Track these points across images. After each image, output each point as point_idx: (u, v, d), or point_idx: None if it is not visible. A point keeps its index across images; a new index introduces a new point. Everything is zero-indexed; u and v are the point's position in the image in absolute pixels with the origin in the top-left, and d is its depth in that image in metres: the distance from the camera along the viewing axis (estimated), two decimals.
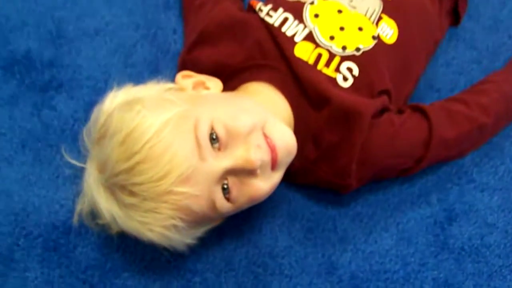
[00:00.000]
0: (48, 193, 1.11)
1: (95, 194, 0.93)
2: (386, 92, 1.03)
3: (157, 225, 0.89)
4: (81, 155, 0.97)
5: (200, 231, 0.98)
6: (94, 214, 0.96)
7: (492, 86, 1.12)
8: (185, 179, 0.86)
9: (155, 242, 0.92)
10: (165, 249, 0.96)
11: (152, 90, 0.98)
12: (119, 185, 0.89)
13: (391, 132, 1.01)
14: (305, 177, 1.06)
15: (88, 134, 0.96)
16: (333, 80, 1.01)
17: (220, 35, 1.07)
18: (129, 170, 0.87)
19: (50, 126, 1.16)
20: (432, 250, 1.08)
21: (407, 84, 1.10)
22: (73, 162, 1.01)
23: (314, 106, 1.01)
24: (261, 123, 0.93)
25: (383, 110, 1.02)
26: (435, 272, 1.07)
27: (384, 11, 1.06)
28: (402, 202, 1.11)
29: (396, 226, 1.10)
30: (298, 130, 1.00)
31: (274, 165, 0.93)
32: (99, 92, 1.15)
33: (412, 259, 1.07)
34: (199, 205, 0.89)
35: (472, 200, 1.11)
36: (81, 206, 0.98)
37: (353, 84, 1.01)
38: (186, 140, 0.87)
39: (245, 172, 0.90)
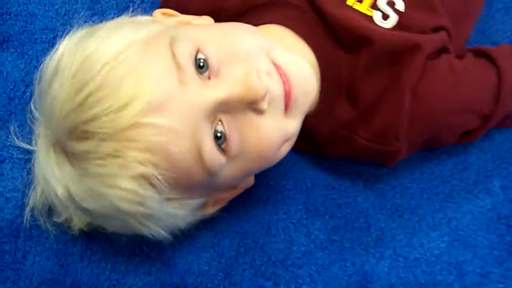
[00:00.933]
0: None
1: (44, 167, 0.74)
2: (443, 29, 0.83)
3: (122, 176, 0.67)
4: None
5: (190, 205, 0.76)
6: (51, 209, 0.80)
7: None
8: (157, 107, 0.65)
9: (126, 208, 0.69)
10: (142, 241, 0.77)
11: (120, 19, 0.79)
12: (68, 130, 0.68)
13: (452, 79, 0.82)
14: (335, 148, 0.86)
15: (37, 93, 0.76)
16: (369, 19, 0.81)
17: None
18: (81, 104, 0.66)
19: None
20: (496, 255, 0.87)
21: (466, 23, 0.90)
22: (23, 145, 0.83)
23: (346, 48, 0.81)
24: (267, 47, 0.73)
25: (441, 51, 0.83)
26: (501, 286, 0.86)
27: None
28: (454, 191, 0.90)
29: (448, 223, 0.89)
30: (326, 83, 0.81)
31: (287, 103, 0.72)
32: None
33: (470, 268, 0.87)
34: (178, 146, 0.67)
35: None
36: (34, 199, 0.80)
37: (397, 23, 0.81)
38: (159, 59, 0.68)
39: (245, 105, 0.69)
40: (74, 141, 0.68)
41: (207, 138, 0.67)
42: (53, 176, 0.73)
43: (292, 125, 0.74)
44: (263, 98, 0.68)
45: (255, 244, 0.87)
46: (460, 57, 0.85)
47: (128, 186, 0.67)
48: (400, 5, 0.81)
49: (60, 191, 0.72)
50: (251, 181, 0.82)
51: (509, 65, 0.84)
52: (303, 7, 0.82)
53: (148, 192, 0.68)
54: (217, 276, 0.86)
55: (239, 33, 0.73)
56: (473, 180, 0.91)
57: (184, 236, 0.80)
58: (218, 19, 0.82)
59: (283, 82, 0.71)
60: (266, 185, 0.88)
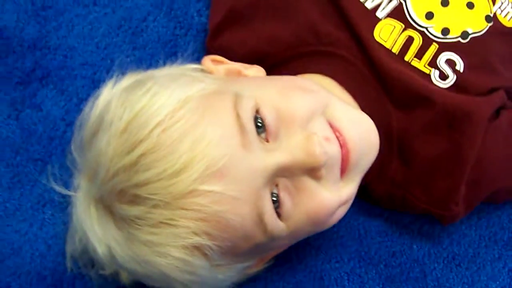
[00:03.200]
0: (31, 228, 0.90)
1: (84, 221, 0.74)
2: (503, 88, 0.83)
3: (174, 246, 0.67)
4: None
5: (237, 269, 0.75)
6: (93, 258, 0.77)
7: None
8: (217, 173, 0.65)
9: (174, 276, 0.69)
10: None
11: (169, 69, 0.80)
12: (116, 192, 0.68)
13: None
14: (392, 204, 0.86)
15: (78, 138, 0.76)
16: (427, 77, 0.81)
17: (255, 13, 0.86)
18: (132, 165, 0.66)
19: (34, 133, 0.95)
20: None
21: None
22: (62, 190, 0.82)
23: (399, 106, 0.81)
24: (322, 103, 0.73)
25: (500, 108, 0.83)
26: None
27: None
28: None
29: (508, 273, 0.89)
30: None
31: (344, 167, 0.72)
32: (98, 85, 0.89)
33: None
34: (238, 215, 0.66)
35: None
36: (71, 246, 0.81)
37: (455, 83, 0.81)
38: (220, 120, 0.67)
39: (303, 171, 0.69)
40: (123, 204, 0.67)
41: (267, 203, 0.68)
42: (94, 233, 0.73)
43: (348, 190, 0.74)
44: (321, 165, 0.68)
45: None
46: None
47: (179, 256, 0.67)
48: (460, 66, 0.81)
49: (101, 249, 0.72)
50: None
51: None
52: (351, 59, 0.82)
53: (199, 261, 0.68)
54: None
55: (295, 93, 0.72)
56: None
57: None
58: (262, 64, 0.83)
59: (341, 146, 0.71)
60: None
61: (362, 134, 0.74)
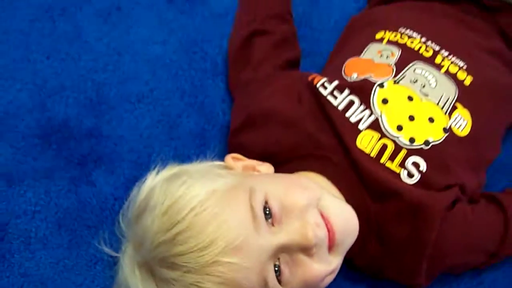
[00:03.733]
0: (85, 281, 1.07)
1: (129, 280, 0.90)
2: (457, 185, 0.99)
3: None
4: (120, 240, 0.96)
5: None
6: None
7: None
8: (234, 249, 0.82)
9: None
10: None
11: (199, 165, 0.98)
12: (158, 259, 0.85)
13: (465, 226, 0.97)
14: (373, 272, 1.03)
15: (125, 215, 0.94)
16: (397, 176, 0.96)
17: (267, 123, 1.04)
18: (171, 240, 0.83)
19: (88, 205, 1.13)
20: None
21: (480, 173, 1.05)
22: (110, 252, 1.00)
23: (375, 198, 0.97)
24: (314, 197, 0.90)
25: (455, 201, 0.97)
26: None
27: (459, 99, 1.01)
28: None
29: None
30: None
31: (331, 245, 0.89)
32: (141, 167, 1.13)
33: None
34: (249, 280, 0.84)
35: None
36: None
37: (419, 180, 0.96)
38: (238, 209, 0.85)
39: (299, 249, 0.86)
40: (163, 268, 0.85)
41: (271, 273, 0.85)
42: None
43: (335, 262, 0.91)
44: (312, 246, 0.86)
45: None
46: (474, 201, 1.01)
47: None
48: (423, 167, 0.96)
49: None
50: None
51: None
52: (338, 161, 0.98)
53: None
54: None
55: (296, 190, 0.90)
56: None
57: None
58: (270, 160, 1.01)
59: (328, 230, 0.88)
60: None
61: (345, 220, 0.92)
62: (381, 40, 1.08)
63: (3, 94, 1.22)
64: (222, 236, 0.82)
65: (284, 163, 1.01)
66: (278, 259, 0.87)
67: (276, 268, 0.86)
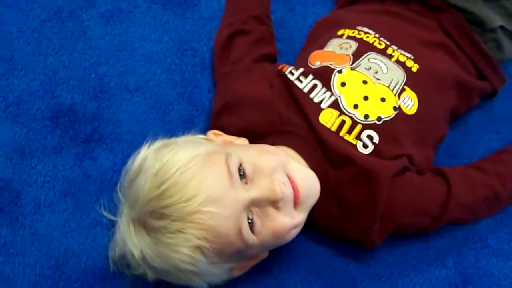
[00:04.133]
0: (86, 240, 1.23)
1: (125, 234, 1.05)
2: (406, 156, 1.14)
3: (184, 246, 0.99)
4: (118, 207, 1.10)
5: (225, 268, 1.08)
6: (128, 263, 1.08)
7: (509, 156, 1.25)
8: (213, 200, 0.98)
9: (182, 267, 1.02)
10: None
11: (185, 137, 1.14)
12: (149, 212, 1.00)
13: (412, 191, 1.13)
14: (333, 233, 1.19)
15: (121, 185, 1.09)
16: (354, 146, 1.13)
17: (243, 106, 1.22)
18: (160, 195, 0.99)
19: (91, 177, 1.30)
20: None
21: (426, 149, 1.21)
22: (109, 216, 1.13)
23: (335, 166, 1.13)
24: (282, 162, 1.06)
25: (405, 170, 1.13)
26: None
27: (407, 83, 1.18)
28: (419, 264, 1.22)
29: (413, 286, 1.20)
30: (320, 189, 1.13)
31: (296, 202, 1.06)
32: (137, 146, 1.21)
33: None
34: (225, 227, 1.00)
35: (486, 265, 1.22)
36: (112, 253, 1.10)
37: (373, 151, 1.13)
38: (216, 169, 1.02)
39: (268, 203, 1.03)
40: (153, 219, 1.00)
41: (244, 223, 1.01)
42: (132, 243, 1.04)
43: (299, 217, 1.07)
44: (279, 199, 1.03)
45: None
46: (422, 173, 1.17)
47: (187, 253, 0.99)
48: (376, 139, 1.12)
49: (136, 253, 1.03)
50: (266, 254, 1.15)
51: (458, 184, 1.16)
52: (303, 135, 1.14)
53: (200, 257, 1.00)
54: None
55: (265, 155, 1.07)
56: (433, 257, 1.22)
57: None
58: (246, 137, 1.17)
59: (293, 189, 1.05)
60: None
61: (308, 182, 1.09)
62: (341, 36, 1.26)
63: (18, 82, 1.40)
64: (202, 190, 0.98)
65: (258, 140, 1.17)
66: (251, 212, 1.02)
67: (250, 220, 1.02)
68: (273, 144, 1.15)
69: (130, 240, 1.05)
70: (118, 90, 1.39)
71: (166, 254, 1.02)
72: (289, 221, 1.06)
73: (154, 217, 1.01)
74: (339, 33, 1.27)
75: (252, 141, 1.18)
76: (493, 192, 1.19)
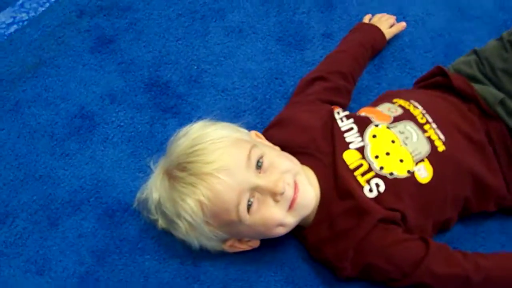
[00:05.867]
0: (127, 179, 1.51)
1: (153, 179, 1.32)
2: (401, 212, 1.29)
3: (190, 197, 1.22)
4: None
5: (217, 235, 1.29)
6: (148, 207, 1.33)
7: (493, 255, 1.36)
8: (226, 171, 1.21)
9: (183, 216, 1.24)
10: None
11: (232, 124, 1.39)
12: (176, 164, 1.25)
13: (391, 239, 1.27)
14: (315, 252, 1.37)
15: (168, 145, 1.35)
16: (361, 187, 1.31)
17: (290, 125, 1.46)
18: (190, 152, 1.24)
19: (154, 136, 1.59)
20: None
21: (424, 219, 1.34)
22: (152, 167, 1.37)
23: (339, 197, 1.32)
24: (295, 171, 1.28)
25: (393, 222, 1.29)
26: None
27: (429, 157, 1.34)
28: None
29: None
30: (320, 210, 1.33)
31: (291, 205, 1.25)
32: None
33: None
34: (228, 196, 1.21)
35: None
36: (140, 195, 1.37)
37: (375, 197, 1.30)
38: (240, 151, 1.24)
39: (270, 193, 1.23)
40: (177, 170, 1.24)
41: (244, 201, 1.22)
42: (155, 186, 1.29)
43: (289, 219, 1.26)
44: (280, 194, 1.23)
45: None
46: (408, 233, 1.29)
47: (191, 203, 1.22)
48: (382, 189, 1.29)
49: (155, 196, 1.29)
50: (257, 243, 1.35)
51: (435, 253, 1.26)
52: (325, 163, 1.34)
53: (199, 212, 1.22)
54: None
55: (285, 159, 1.30)
56: None
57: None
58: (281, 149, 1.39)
59: (294, 193, 1.25)
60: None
61: (308, 195, 1.28)
62: (394, 102, 1.47)
63: (136, 49, 1.75)
64: (221, 160, 1.22)
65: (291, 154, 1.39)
66: (253, 196, 1.23)
67: (249, 202, 1.23)
68: (300, 161, 1.37)
69: (155, 183, 1.31)
70: (208, 85, 1.68)
71: (175, 199, 1.25)
72: (280, 215, 1.26)
73: (178, 168, 1.25)
74: (394, 100, 1.47)
75: None
76: (465, 275, 1.29)
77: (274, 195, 1.24)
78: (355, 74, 1.68)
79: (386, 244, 1.29)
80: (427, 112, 1.43)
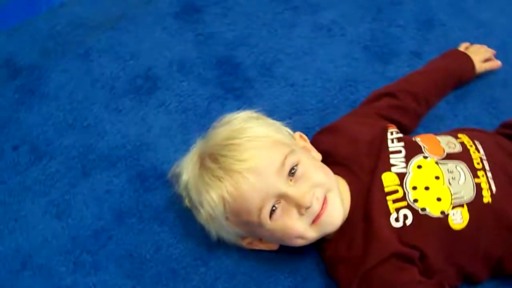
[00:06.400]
0: (170, 149, 1.51)
1: (186, 160, 1.31)
2: (421, 252, 1.23)
3: (215, 191, 1.22)
4: None
5: (235, 231, 1.29)
6: (179, 184, 1.34)
7: None
8: (256, 172, 1.19)
9: (205, 206, 1.25)
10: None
11: (277, 122, 1.37)
12: (209, 153, 1.25)
13: (405, 278, 1.21)
14: (329, 267, 1.33)
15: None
16: (388, 214, 1.25)
17: (339, 133, 1.42)
18: (225, 145, 1.23)
19: (210, 114, 1.57)
20: None
21: (447, 264, 1.25)
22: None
23: (364, 217, 1.27)
24: (328, 186, 1.24)
25: (409, 261, 1.22)
26: None
27: (469, 205, 1.25)
28: None
29: None
30: (344, 226, 1.28)
31: (316, 220, 1.22)
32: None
33: None
34: (252, 198, 1.19)
35: None
36: (175, 167, 1.36)
37: (399, 228, 1.24)
38: (276, 155, 1.22)
39: (295, 204, 1.20)
40: (209, 159, 1.23)
41: (268, 206, 1.20)
42: (186, 169, 1.29)
43: (310, 233, 1.23)
44: (305, 207, 1.19)
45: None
46: (427, 275, 1.21)
47: (214, 197, 1.22)
48: (409, 222, 1.23)
49: (185, 177, 1.29)
50: (275, 246, 1.32)
51: None
52: (364, 181, 1.29)
53: (220, 207, 1.22)
54: None
55: (320, 171, 1.26)
56: None
57: None
58: (324, 156, 1.35)
59: (321, 208, 1.21)
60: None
61: (335, 214, 1.24)
62: (458, 138, 1.38)
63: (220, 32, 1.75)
64: (254, 161, 1.20)
65: (329, 164, 1.35)
66: (279, 202, 1.20)
67: (274, 208, 1.21)
68: (337, 173, 1.33)
69: (187, 166, 1.31)
70: (279, 76, 1.65)
71: (200, 189, 1.25)
72: (301, 228, 1.23)
73: (211, 158, 1.24)
74: (459, 135, 1.39)
75: (324, 162, 1.36)
76: None
77: (299, 207, 1.21)
78: (431, 99, 1.60)
79: (397, 282, 1.23)
80: (488, 159, 1.34)
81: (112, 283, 1.34)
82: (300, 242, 1.27)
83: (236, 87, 1.63)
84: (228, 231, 1.30)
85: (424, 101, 1.56)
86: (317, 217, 1.23)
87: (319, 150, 1.39)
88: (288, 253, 1.35)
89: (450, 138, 1.38)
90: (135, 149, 1.51)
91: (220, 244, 1.35)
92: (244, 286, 1.34)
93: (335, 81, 1.66)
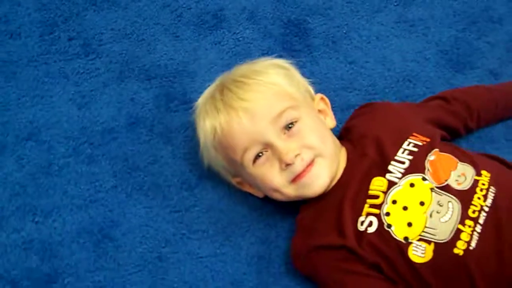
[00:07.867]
0: (207, 82, 1.48)
1: (208, 90, 1.38)
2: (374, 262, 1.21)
3: (209, 120, 1.30)
4: None
5: (223, 163, 1.35)
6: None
7: None
8: (251, 114, 1.24)
9: (198, 132, 1.35)
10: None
11: (302, 78, 1.41)
12: (222, 82, 1.33)
13: (353, 268, 1.23)
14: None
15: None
16: (358, 215, 1.24)
17: (370, 112, 1.43)
18: (236, 80, 1.30)
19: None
20: None
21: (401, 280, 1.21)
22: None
23: (340, 201, 1.27)
24: (321, 152, 1.26)
25: (362, 261, 1.22)
26: None
27: (438, 246, 1.18)
28: None
29: None
30: (324, 197, 1.30)
31: (296, 179, 1.25)
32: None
33: None
34: (239, 138, 1.25)
35: None
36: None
37: (360, 232, 1.22)
38: (275, 104, 1.26)
39: (279, 157, 1.24)
40: (218, 90, 1.31)
41: (253, 150, 1.25)
42: (202, 94, 1.37)
43: (287, 190, 1.26)
44: (286, 163, 1.23)
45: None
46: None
47: (207, 125, 1.30)
48: (371, 230, 1.21)
49: (198, 101, 1.37)
50: (261, 194, 1.36)
51: None
52: (364, 163, 1.28)
53: (210, 135, 1.29)
54: None
55: (317, 135, 1.27)
56: None
57: None
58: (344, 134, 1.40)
59: (303, 170, 1.23)
60: None
61: (318, 182, 1.25)
62: (479, 174, 1.26)
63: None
64: (253, 103, 1.26)
65: (345, 136, 1.39)
66: (266, 151, 1.25)
67: (260, 154, 1.26)
68: (346, 140, 1.37)
69: (204, 91, 1.40)
70: (342, 51, 1.65)
71: (201, 114, 1.35)
72: (278, 182, 1.27)
73: (219, 88, 1.32)
74: (483, 172, 1.27)
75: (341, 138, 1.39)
76: None
77: (281, 162, 1.24)
78: (484, 116, 1.50)
79: (343, 269, 1.24)
80: (491, 212, 1.21)
81: (99, 177, 1.45)
82: (278, 196, 1.30)
83: (295, 49, 1.65)
84: (217, 163, 1.36)
85: (476, 115, 1.47)
86: (298, 177, 1.25)
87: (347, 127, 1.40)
88: (273, 208, 1.40)
89: (469, 171, 1.27)
90: (175, 72, 1.59)
91: (211, 178, 1.42)
92: (216, 221, 1.41)
93: (395, 72, 1.64)
